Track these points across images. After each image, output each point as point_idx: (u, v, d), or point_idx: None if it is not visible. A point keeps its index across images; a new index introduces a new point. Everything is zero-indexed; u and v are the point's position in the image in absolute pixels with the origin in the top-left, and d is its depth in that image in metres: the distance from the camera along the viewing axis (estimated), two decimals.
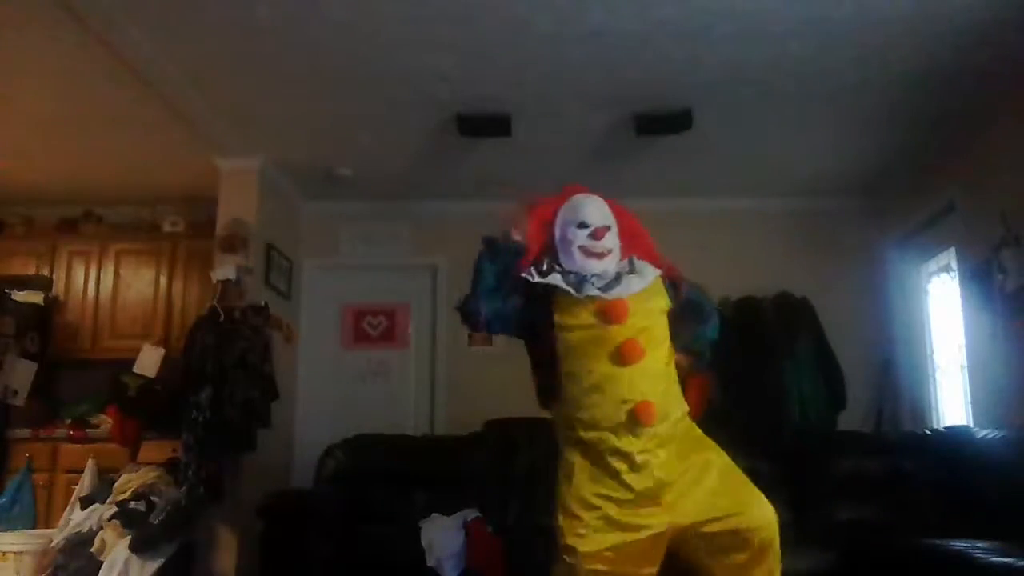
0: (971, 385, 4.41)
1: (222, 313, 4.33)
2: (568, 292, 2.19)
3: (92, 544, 3.95)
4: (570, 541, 2.08)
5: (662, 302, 2.24)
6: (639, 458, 2.09)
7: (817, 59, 3.68)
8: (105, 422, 4.89)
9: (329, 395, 5.46)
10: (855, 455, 4.22)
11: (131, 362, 4.86)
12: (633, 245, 2.33)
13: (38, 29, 3.49)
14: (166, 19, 3.37)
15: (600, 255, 2.23)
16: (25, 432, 4.89)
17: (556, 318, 2.19)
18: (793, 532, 3.88)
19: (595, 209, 2.31)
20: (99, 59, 3.65)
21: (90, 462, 4.60)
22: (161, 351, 4.95)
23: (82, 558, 3.96)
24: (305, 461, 4.92)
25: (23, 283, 5.15)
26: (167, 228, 5.50)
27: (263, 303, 4.64)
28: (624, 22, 3.39)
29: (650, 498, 2.09)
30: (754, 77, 3.85)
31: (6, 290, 4.97)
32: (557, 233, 2.31)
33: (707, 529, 2.09)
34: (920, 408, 5.04)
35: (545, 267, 2.27)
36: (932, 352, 5.03)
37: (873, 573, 3.37)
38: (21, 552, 4.16)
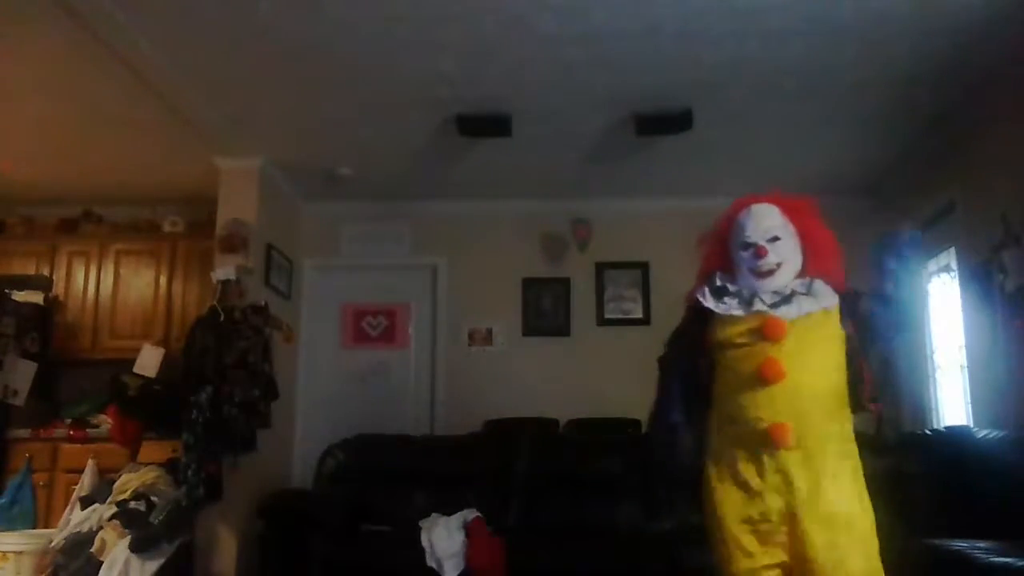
0: (971, 385, 4.40)
1: (222, 313, 4.33)
2: (735, 314, 2.14)
3: (92, 544, 3.95)
4: (723, 555, 2.08)
5: (835, 329, 2.13)
6: (760, 483, 2.04)
7: (817, 58, 3.68)
8: (105, 422, 4.89)
9: (329, 395, 5.46)
10: None
11: (131, 362, 4.86)
12: (814, 258, 2.22)
13: (38, 30, 3.49)
14: (166, 19, 3.37)
15: (768, 273, 2.15)
16: (25, 432, 4.89)
17: (712, 334, 2.17)
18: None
19: (757, 224, 2.20)
20: (99, 59, 3.65)
21: (90, 462, 4.60)
22: (161, 351, 4.95)
23: (82, 558, 3.96)
24: (305, 461, 4.93)
25: (23, 283, 5.15)
26: (167, 228, 5.50)
27: (263, 303, 4.64)
28: (624, 22, 3.39)
29: (768, 529, 2.04)
30: (754, 77, 3.85)
31: (6, 290, 4.96)
32: (732, 255, 2.23)
33: None
34: (920, 408, 5.04)
35: (718, 282, 2.23)
36: (932, 352, 5.03)
37: None
38: (21, 552, 4.15)
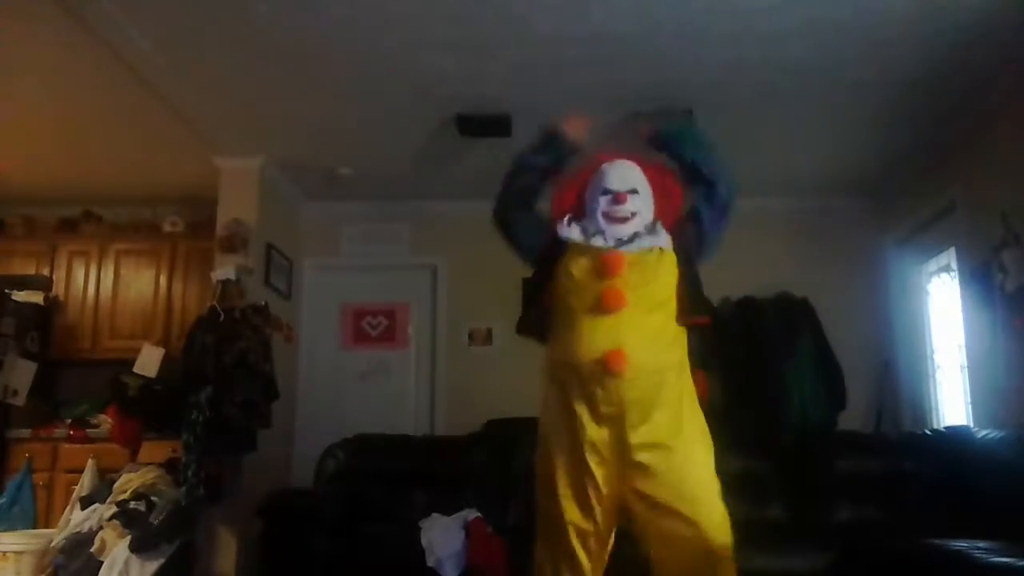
0: (971, 385, 4.41)
1: (222, 313, 4.33)
2: (578, 241, 2.26)
3: (92, 544, 3.95)
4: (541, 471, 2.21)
5: (671, 267, 2.24)
6: (603, 409, 2.11)
7: (817, 59, 3.68)
8: (105, 422, 4.89)
9: (329, 395, 5.46)
10: (855, 455, 4.22)
11: (131, 362, 4.85)
12: (662, 206, 2.35)
13: (38, 29, 3.49)
14: (166, 19, 3.37)
15: (623, 219, 2.26)
16: (25, 432, 4.89)
17: (560, 265, 2.26)
18: (793, 532, 3.90)
19: (619, 174, 2.33)
20: (99, 59, 3.65)
21: (90, 462, 4.60)
22: (161, 351, 4.95)
23: (82, 558, 3.96)
24: (305, 461, 4.92)
25: (23, 283, 5.16)
26: (167, 228, 5.50)
27: (263, 303, 4.64)
28: (624, 22, 3.39)
29: (600, 451, 2.11)
30: (754, 77, 3.85)
31: (6, 290, 4.97)
32: (586, 201, 2.35)
33: (657, 518, 2.09)
34: (920, 408, 5.04)
35: (569, 220, 2.35)
36: (932, 352, 5.03)
37: (873, 573, 3.37)
38: (21, 552, 4.16)
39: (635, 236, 2.25)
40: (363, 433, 4.63)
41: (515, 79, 3.89)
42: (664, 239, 2.27)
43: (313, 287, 5.63)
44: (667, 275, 2.24)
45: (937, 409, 4.95)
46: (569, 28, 3.43)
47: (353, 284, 5.72)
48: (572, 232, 2.30)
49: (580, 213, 2.37)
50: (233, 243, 4.66)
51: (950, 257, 4.69)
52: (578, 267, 2.23)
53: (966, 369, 4.49)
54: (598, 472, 2.12)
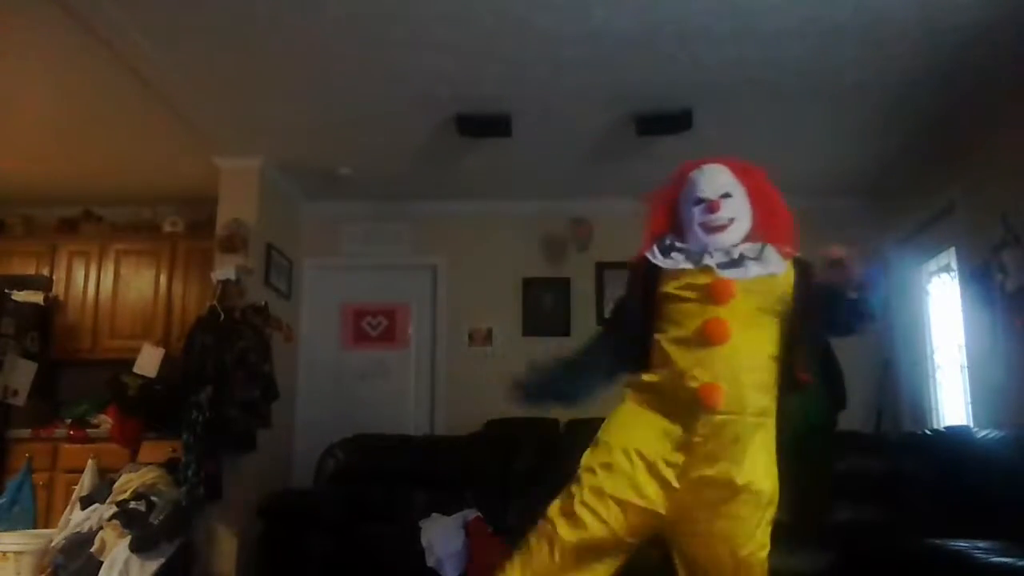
0: (971, 385, 4.41)
1: (222, 313, 4.33)
2: (674, 267, 2.12)
3: (92, 544, 3.95)
4: (587, 464, 2.14)
5: (779, 295, 2.10)
6: (694, 438, 2.00)
7: (817, 59, 3.68)
8: (105, 422, 4.89)
9: (329, 395, 5.46)
10: (855, 455, 4.22)
11: (131, 362, 4.86)
12: (767, 222, 2.20)
13: (39, 30, 3.49)
14: (166, 20, 3.37)
15: (721, 227, 2.13)
16: (25, 432, 4.89)
17: (660, 288, 2.12)
18: (793, 532, 3.90)
19: (709, 180, 2.19)
20: (100, 59, 3.65)
21: (90, 462, 4.60)
22: (161, 351, 4.95)
23: (82, 558, 3.95)
24: (305, 461, 4.93)
25: (23, 283, 5.16)
26: (167, 228, 5.51)
27: (263, 303, 4.64)
28: (624, 22, 3.39)
29: (667, 478, 2.02)
30: (754, 77, 3.85)
31: (6, 290, 4.97)
32: (683, 216, 2.22)
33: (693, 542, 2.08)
34: (920, 408, 5.04)
35: (668, 242, 2.22)
36: (932, 352, 5.03)
37: (873, 573, 3.37)
38: (21, 552, 4.16)
39: (743, 259, 2.10)
40: (363, 433, 4.63)
41: (515, 79, 3.89)
42: (775, 264, 2.12)
43: (313, 287, 5.63)
44: (774, 309, 2.09)
45: (937, 409, 4.94)
46: (569, 27, 3.43)
47: (353, 284, 5.72)
48: (668, 260, 2.16)
49: (677, 231, 2.23)
50: (233, 243, 4.66)
51: (950, 257, 4.69)
52: (683, 285, 2.09)
53: (966, 369, 4.49)
54: (653, 490, 2.03)
